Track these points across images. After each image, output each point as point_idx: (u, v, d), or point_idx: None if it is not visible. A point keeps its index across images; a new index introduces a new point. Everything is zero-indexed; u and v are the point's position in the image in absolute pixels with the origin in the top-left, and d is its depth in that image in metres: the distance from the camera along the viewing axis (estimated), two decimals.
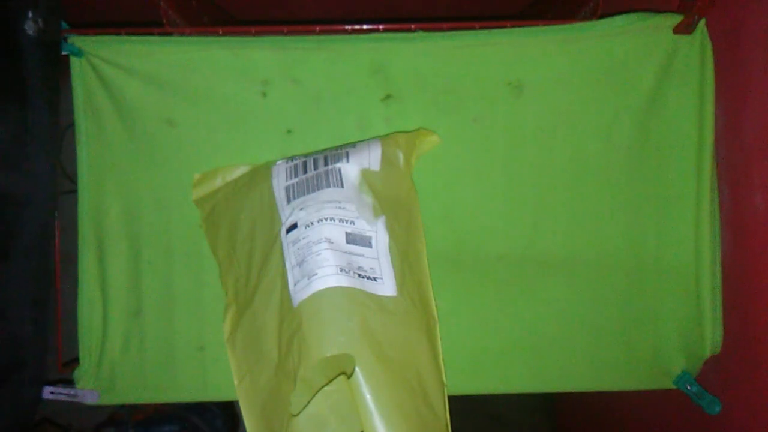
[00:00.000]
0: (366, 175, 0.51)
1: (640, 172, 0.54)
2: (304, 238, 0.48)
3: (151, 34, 0.53)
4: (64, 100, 0.53)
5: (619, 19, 0.51)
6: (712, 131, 0.52)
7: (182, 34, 0.55)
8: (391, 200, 0.52)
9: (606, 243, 0.55)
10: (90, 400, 0.55)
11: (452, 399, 0.49)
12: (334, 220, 0.49)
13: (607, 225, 0.55)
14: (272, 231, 0.51)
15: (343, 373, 0.45)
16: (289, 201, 0.51)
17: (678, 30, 0.51)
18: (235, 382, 0.51)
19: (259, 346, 0.49)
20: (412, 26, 0.53)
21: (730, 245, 0.52)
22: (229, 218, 0.54)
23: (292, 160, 0.53)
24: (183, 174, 0.55)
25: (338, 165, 0.51)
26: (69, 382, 0.55)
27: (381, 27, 0.53)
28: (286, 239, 0.49)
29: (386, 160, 0.52)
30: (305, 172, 0.52)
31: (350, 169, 0.51)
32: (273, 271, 0.50)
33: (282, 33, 0.53)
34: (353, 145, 0.53)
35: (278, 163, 0.53)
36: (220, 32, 0.53)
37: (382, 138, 0.53)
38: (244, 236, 0.53)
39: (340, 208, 0.49)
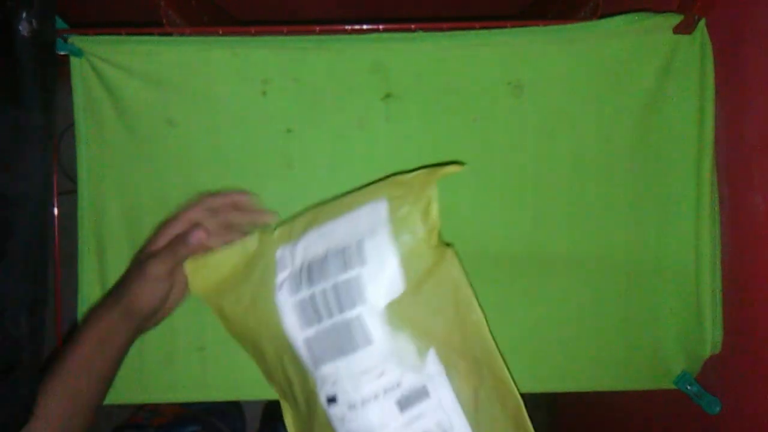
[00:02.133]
0: (393, 309, 0.42)
1: (640, 172, 0.54)
2: (351, 421, 0.42)
3: (151, 34, 0.53)
4: (64, 100, 0.53)
5: (619, 19, 0.51)
6: (712, 131, 0.52)
7: (182, 34, 0.55)
8: (433, 313, 0.43)
9: (606, 243, 0.55)
10: None
11: None
12: (377, 397, 0.41)
13: (607, 225, 0.55)
14: (307, 383, 0.45)
15: None
16: (315, 364, 0.43)
17: (678, 30, 0.51)
18: None
19: None
20: (412, 26, 0.53)
21: (730, 245, 0.52)
22: (249, 336, 0.48)
23: (297, 289, 0.44)
24: (183, 174, 0.55)
25: (357, 312, 0.42)
26: None
27: (381, 27, 0.53)
28: (330, 410, 0.43)
29: (408, 265, 0.42)
30: (319, 319, 0.43)
31: (373, 314, 0.42)
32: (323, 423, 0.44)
33: (282, 33, 0.53)
34: (360, 257, 0.43)
35: (279, 284, 0.45)
36: (220, 32, 0.53)
37: (393, 231, 0.43)
38: (273, 363, 0.47)
39: (380, 375, 0.41)
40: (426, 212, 0.43)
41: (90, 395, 0.46)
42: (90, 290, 0.55)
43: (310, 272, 0.44)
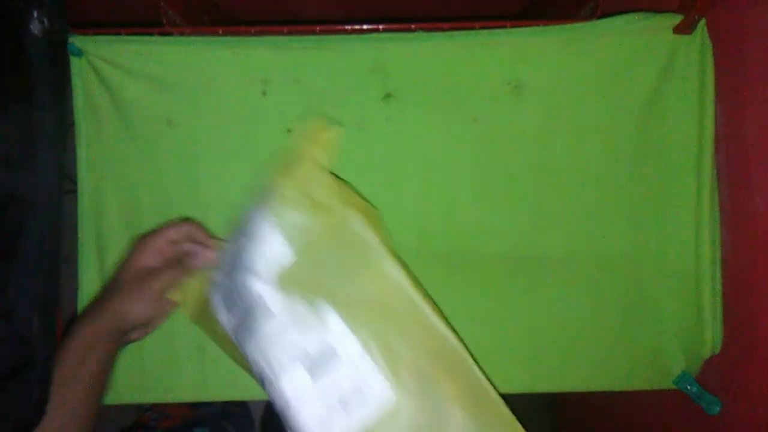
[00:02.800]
0: (286, 278, 0.43)
1: (640, 172, 0.54)
2: (275, 399, 0.43)
3: (151, 34, 0.53)
4: (64, 100, 0.53)
5: (619, 19, 0.51)
6: (712, 131, 0.52)
7: (182, 34, 0.55)
8: (329, 275, 0.44)
9: (606, 243, 0.55)
10: None
11: None
12: (287, 369, 0.42)
13: (607, 225, 0.55)
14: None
15: None
16: (244, 351, 0.45)
17: (678, 30, 0.51)
18: None
19: None
20: (412, 26, 0.53)
21: (730, 245, 0.52)
22: (229, 348, 0.51)
23: (220, 285, 0.47)
24: (183, 174, 0.55)
25: (255, 290, 0.43)
26: None
27: (381, 27, 0.53)
28: (266, 392, 0.44)
29: (294, 235, 0.43)
30: (236, 306, 0.45)
31: (267, 288, 0.43)
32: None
33: (282, 33, 0.53)
34: (251, 239, 0.45)
35: (213, 286, 0.48)
36: (220, 32, 0.53)
37: (274, 207, 0.44)
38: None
39: (286, 347, 0.42)
40: (310, 181, 0.44)
41: (76, 406, 0.46)
42: (90, 290, 0.55)
43: (226, 265, 0.47)
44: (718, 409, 0.52)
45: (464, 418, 0.42)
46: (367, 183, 0.55)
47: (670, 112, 0.53)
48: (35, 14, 0.45)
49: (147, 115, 0.53)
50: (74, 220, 0.55)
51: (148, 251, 0.50)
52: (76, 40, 0.51)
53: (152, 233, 0.50)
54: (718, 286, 0.53)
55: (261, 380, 0.44)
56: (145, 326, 0.51)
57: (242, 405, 1.10)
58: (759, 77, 0.47)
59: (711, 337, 0.53)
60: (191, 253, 0.50)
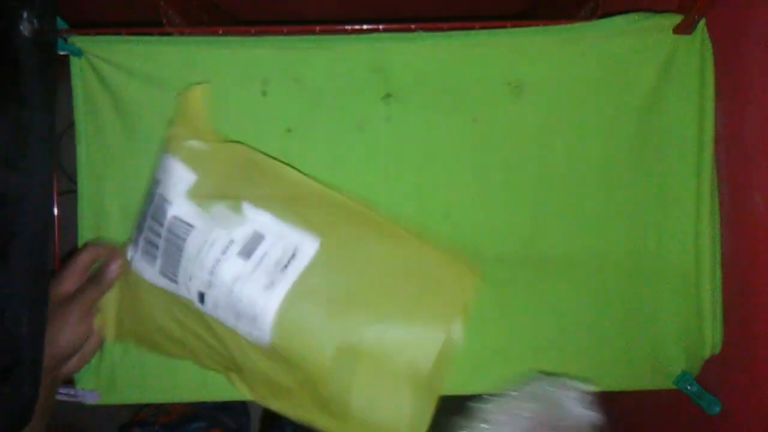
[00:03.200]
0: (195, 192, 0.48)
1: (640, 172, 0.54)
2: (216, 297, 0.47)
3: (151, 34, 0.53)
4: (64, 100, 0.53)
5: (619, 19, 0.51)
6: (712, 131, 0.52)
7: (182, 34, 0.55)
8: (232, 179, 0.50)
9: (606, 243, 0.55)
10: (90, 400, 0.55)
11: (451, 398, 0.49)
12: (219, 261, 0.46)
13: (607, 225, 0.55)
14: (194, 311, 0.49)
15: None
16: (177, 283, 0.49)
17: (678, 30, 0.51)
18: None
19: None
20: (412, 26, 0.53)
21: (730, 245, 0.52)
22: (160, 332, 0.52)
23: (136, 246, 0.51)
24: None
25: (170, 215, 0.48)
26: (69, 383, 0.55)
27: (381, 27, 0.53)
28: (209, 308, 0.48)
29: (191, 159, 0.49)
30: (156, 247, 0.49)
31: (181, 207, 0.48)
32: (230, 341, 0.49)
33: (282, 33, 0.53)
34: (156, 182, 0.50)
35: (132, 258, 0.51)
36: (220, 32, 0.53)
37: (169, 148, 0.50)
38: (184, 334, 0.51)
39: (212, 245, 0.47)
40: (197, 119, 0.51)
41: None
42: None
43: (137, 225, 0.51)
44: (718, 409, 0.52)
45: (377, 244, 0.50)
46: (367, 183, 0.55)
47: (670, 112, 0.53)
48: (25, 15, 0.45)
49: (147, 115, 0.53)
50: (74, 220, 0.55)
51: (64, 281, 0.50)
52: (76, 40, 0.51)
53: (65, 264, 0.51)
54: (718, 286, 0.53)
55: (201, 296, 0.48)
56: (76, 354, 0.51)
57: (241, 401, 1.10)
58: (759, 77, 0.47)
59: (711, 337, 0.53)
60: (102, 268, 0.51)
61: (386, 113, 0.54)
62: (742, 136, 0.49)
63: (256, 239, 0.47)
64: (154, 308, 0.51)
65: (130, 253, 0.51)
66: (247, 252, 0.47)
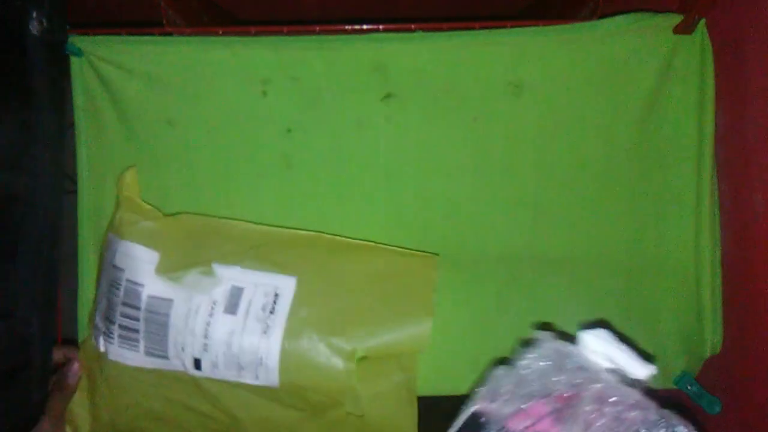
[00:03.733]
0: (163, 269, 0.50)
1: (640, 172, 0.54)
2: (214, 358, 0.49)
3: (151, 34, 0.53)
4: (64, 100, 0.53)
5: (619, 19, 0.51)
6: (712, 131, 0.52)
7: (182, 34, 0.55)
8: (194, 247, 0.52)
9: (606, 243, 0.55)
10: None
11: (451, 399, 0.49)
12: (210, 324, 0.49)
13: (606, 225, 0.55)
14: (188, 384, 0.51)
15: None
16: (166, 356, 0.50)
17: (678, 30, 0.51)
18: None
19: None
20: (412, 26, 0.53)
21: (730, 245, 0.52)
22: (148, 417, 0.53)
23: (108, 336, 0.51)
24: (183, 174, 0.55)
25: (144, 297, 0.50)
26: None
27: (381, 27, 0.53)
28: (207, 372, 0.50)
29: (147, 239, 0.51)
30: (137, 333, 0.50)
31: (154, 286, 0.50)
32: (229, 398, 0.51)
33: (282, 33, 0.53)
34: (119, 269, 0.51)
35: (107, 350, 0.52)
36: (220, 32, 0.53)
37: (118, 234, 0.52)
38: (175, 411, 0.53)
39: (197, 312, 0.49)
40: (137, 205, 0.53)
41: None
42: (90, 290, 0.55)
43: (103, 318, 0.52)
44: (718, 409, 0.52)
45: (347, 263, 0.53)
46: (367, 183, 0.55)
47: (670, 111, 0.53)
48: (34, 14, 0.45)
49: (147, 115, 0.53)
50: (74, 220, 0.55)
51: None
52: (76, 40, 0.51)
53: None
54: (718, 286, 0.53)
55: (197, 363, 0.50)
56: None
57: None
58: (759, 77, 0.47)
59: (711, 337, 0.53)
60: (63, 374, 0.51)
61: (386, 113, 0.54)
62: (743, 136, 0.49)
63: (237, 293, 0.50)
64: (139, 393, 0.52)
65: (102, 347, 0.52)
66: (232, 307, 0.50)
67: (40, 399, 0.48)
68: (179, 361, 0.50)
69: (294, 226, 0.54)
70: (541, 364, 0.39)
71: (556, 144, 0.54)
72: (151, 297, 0.50)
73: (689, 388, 0.54)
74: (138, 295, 0.50)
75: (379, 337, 0.50)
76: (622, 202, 0.55)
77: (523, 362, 0.40)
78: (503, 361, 0.42)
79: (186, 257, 0.51)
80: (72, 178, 0.55)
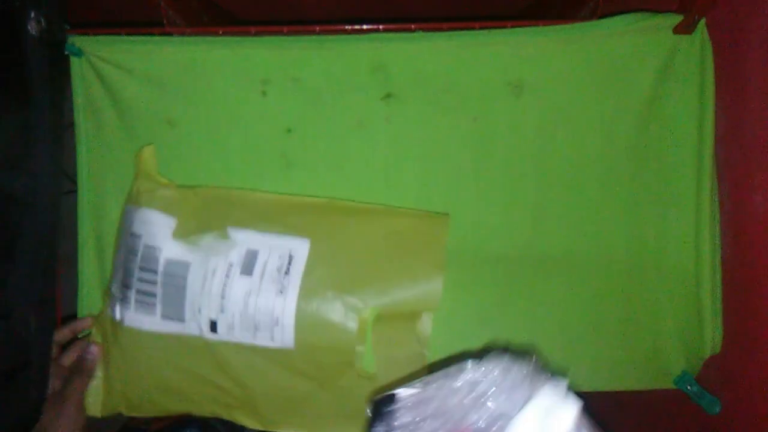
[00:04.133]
0: (180, 234, 0.51)
1: (640, 172, 0.54)
2: (230, 320, 0.50)
3: (151, 34, 0.53)
4: (64, 100, 0.53)
5: (619, 19, 0.51)
6: (712, 131, 0.52)
7: (182, 34, 0.55)
8: (210, 213, 0.53)
9: (606, 243, 0.55)
10: None
11: None
12: (226, 285, 0.50)
13: (607, 225, 0.55)
14: (202, 349, 0.52)
15: None
16: (182, 326, 0.51)
17: (678, 30, 0.51)
18: None
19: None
20: (412, 26, 0.53)
21: (730, 245, 0.52)
22: (167, 387, 0.54)
23: (125, 302, 0.52)
24: (183, 174, 0.55)
25: (162, 260, 0.51)
26: None
27: (381, 27, 0.53)
28: (222, 336, 0.51)
29: (164, 205, 0.52)
30: (153, 296, 0.51)
31: (171, 250, 0.51)
32: (243, 367, 0.52)
33: (282, 33, 0.53)
34: (135, 235, 0.52)
35: (123, 316, 0.52)
36: (220, 32, 0.53)
37: (137, 202, 0.53)
38: (193, 381, 0.53)
39: (213, 274, 0.50)
40: (150, 176, 0.53)
41: None
42: (90, 290, 0.55)
43: (120, 284, 0.52)
44: (718, 409, 0.52)
45: (358, 224, 0.53)
46: (367, 182, 0.55)
47: (670, 111, 0.53)
48: (33, 14, 0.45)
49: (147, 115, 0.53)
50: (74, 220, 0.55)
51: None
52: (76, 40, 0.51)
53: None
54: (718, 286, 0.53)
55: (213, 325, 0.50)
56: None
57: None
58: (759, 77, 0.47)
59: (711, 337, 0.53)
60: (83, 357, 0.52)
61: (386, 113, 0.54)
62: (742, 136, 0.49)
63: (252, 255, 0.51)
64: (152, 361, 0.53)
65: (119, 314, 0.52)
66: (248, 269, 0.50)
67: (39, 398, 0.48)
68: (195, 324, 0.51)
69: None
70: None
71: (556, 144, 0.54)
72: (168, 260, 0.51)
73: (689, 388, 0.54)
74: (155, 259, 0.51)
75: (391, 295, 0.51)
76: (622, 202, 0.55)
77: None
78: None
79: (202, 222, 0.52)
80: (72, 178, 0.55)
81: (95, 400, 0.54)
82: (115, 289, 0.53)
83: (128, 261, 0.52)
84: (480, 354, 0.37)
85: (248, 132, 0.54)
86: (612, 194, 0.55)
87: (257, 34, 0.53)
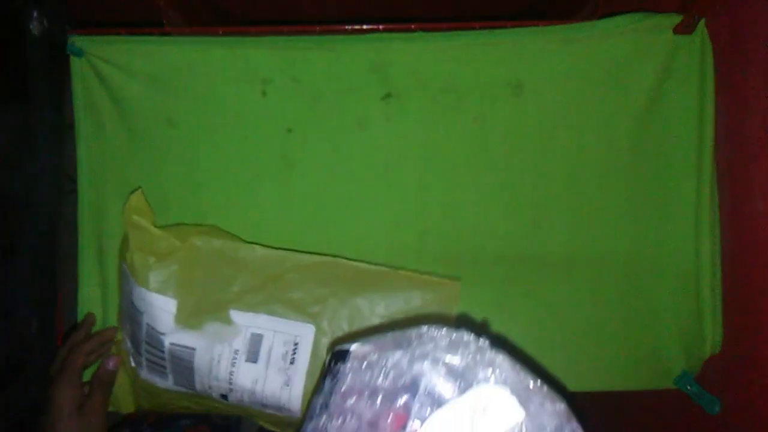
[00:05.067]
0: (182, 316, 0.51)
1: (640, 172, 0.54)
2: (239, 399, 0.51)
3: (151, 34, 0.53)
4: (63, 100, 0.53)
5: (619, 19, 0.51)
6: (712, 131, 0.52)
7: (182, 34, 0.55)
8: (211, 289, 0.51)
9: (606, 243, 0.55)
10: None
11: None
12: (233, 373, 0.50)
13: (607, 225, 0.55)
14: (212, 401, 0.53)
15: None
16: (194, 389, 0.52)
17: (678, 30, 0.51)
18: None
19: None
20: (412, 26, 0.53)
21: (730, 245, 0.52)
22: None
23: (138, 360, 0.53)
24: (183, 174, 0.55)
25: (167, 343, 0.50)
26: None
27: (381, 27, 0.53)
28: (232, 403, 0.52)
29: (161, 283, 0.51)
30: (166, 369, 0.52)
31: (175, 334, 0.50)
32: (257, 414, 0.54)
33: (282, 33, 0.53)
34: (138, 312, 0.51)
35: (138, 371, 0.53)
36: (220, 32, 0.53)
37: (134, 279, 0.51)
38: (202, 406, 0.55)
39: (219, 361, 0.50)
40: (146, 242, 0.51)
41: None
42: (90, 290, 0.55)
43: (131, 338, 0.53)
44: (718, 409, 0.52)
45: (365, 293, 0.52)
46: (367, 183, 0.55)
47: (670, 112, 0.53)
48: (35, 14, 0.45)
49: (147, 115, 0.53)
50: (74, 220, 0.55)
51: (66, 389, 0.49)
52: (76, 40, 0.51)
53: (59, 374, 0.49)
54: (718, 286, 0.53)
55: (224, 397, 0.51)
56: None
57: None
58: (759, 77, 0.46)
59: (711, 337, 0.53)
60: (100, 370, 0.52)
61: (386, 113, 0.54)
62: (743, 136, 0.49)
63: (257, 340, 0.51)
64: (170, 399, 0.54)
65: (133, 362, 0.53)
66: (253, 355, 0.51)
67: (38, 399, 0.48)
68: (207, 393, 0.52)
69: (293, 226, 0.55)
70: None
71: (556, 144, 0.54)
72: (173, 344, 0.51)
73: (689, 388, 0.54)
74: (160, 342, 0.51)
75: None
76: (622, 202, 0.55)
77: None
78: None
79: (203, 302, 0.51)
80: (72, 178, 0.55)
81: (127, 401, 0.55)
82: (127, 339, 0.54)
83: (134, 328, 0.52)
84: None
85: (248, 132, 0.54)
86: (612, 194, 0.55)
87: (257, 34, 0.53)
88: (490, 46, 0.52)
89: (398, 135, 0.54)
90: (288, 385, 0.50)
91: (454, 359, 0.30)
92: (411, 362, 0.30)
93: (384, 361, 0.31)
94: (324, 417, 0.30)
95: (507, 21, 0.52)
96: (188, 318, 0.51)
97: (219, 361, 0.50)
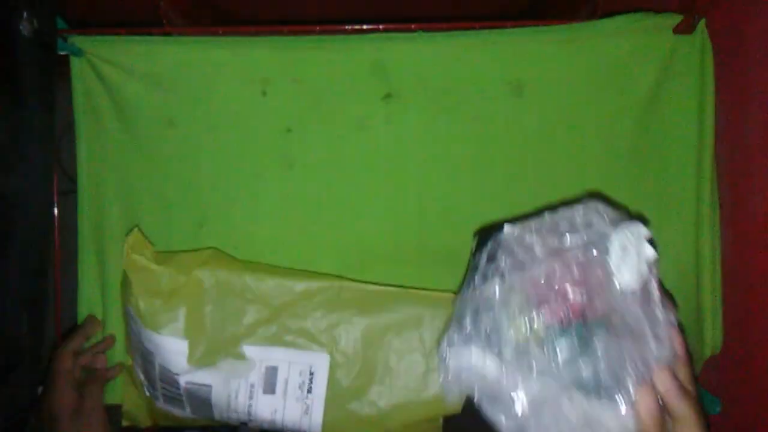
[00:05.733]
0: (194, 356, 0.51)
1: (640, 172, 0.54)
2: (263, 424, 0.52)
3: (151, 34, 0.53)
4: (64, 100, 0.53)
5: (619, 19, 0.51)
6: (712, 131, 0.52)
7: (182, 34, 0.55)
8: (220, 323, 0.51)
9: None
10: None
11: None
12: (252, 406, 0.51)
13: None
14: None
15: None
16: (212, 417, 0.54)
17: (678, 30, 0.51)
18: None
19: None
20: (412, 26, 0.53)
21: (730, 245, 0.52)
22: None
23: (153, 394, 0.53)
24: (183, 174, 0.55)
25: (182, 382, 0.51)
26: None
27: (381, 27, 0.53)
28: (253, 426, 0.53)
29: (171, 327, 0.50)
30: (184, 404, 0.52)
31: (188, 373, 0.50)
32: None
33: (282, 33, 0.53)
34: (149, 352, 0.52)
35: (156, 402, 0.54)
36: (220, 32, 0.53)
37: (143, 323, 0.51)
38: None
39: (236, 396, 0.51)
40: (150, 281, 0.50)
41: None
42: (90, 290, 0.55)
43: (143, 373, 0.53)
44: (718, 409, 0.52)
45: (378, 319, 0.53)
46: (367, 183, 0.55)
47: (670, 112, 0.53)
48: (25, 15, 0.45)
49: (147, 115, 0.53)
50: (74, 220, 0.55)
51: (65, 394, 0.49)
52: (77, 40, 0.51)
53: (54, 379, 0.49)
54: (718, 286, 0.53)
55: (244, 424, 0.52)
56: None
57: None
58: (759, 77, 0.46)
59: (711, 337, 0.53)
60: (93, 368, 0.52)
61: (386, 113, 0.54)
62: (743, 136, 0.49)
63: (272, 373, 0.52)
64: (191, 420, 0.55)
65: (148, 392, 0.54)
66: (270, 387, 0.51)
67: (29, 399, 0.48)
68: (226, 422, 0.53)
69: (293, 226, 0.55)
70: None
71: (556, 144, 0.54)
72: (189, 383, 0.51)
73: None
74: (175, 381, 0.51)
75: (406, 395, 0.52)
76: (621, 202, 0.55)
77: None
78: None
79: (215, 339, 0.51)
80: (72, 178, 0.55)
81: (143, 417, 0.56)
82: (138, 371, 0.54)
83: (146, 365, 0.52)
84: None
85: (248, 132, 0.54)
86: (612, 194, 0.55)
87: (257, 34, 0.53)
88: (490, 46, 0.52)
89: (398, 135, 0.54)
90: (308, 414, 0.51)
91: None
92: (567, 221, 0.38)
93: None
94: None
95: (507, 21, 0.52)
96: (201, 357, 0.51)
97: (236, 396, 0.51)
